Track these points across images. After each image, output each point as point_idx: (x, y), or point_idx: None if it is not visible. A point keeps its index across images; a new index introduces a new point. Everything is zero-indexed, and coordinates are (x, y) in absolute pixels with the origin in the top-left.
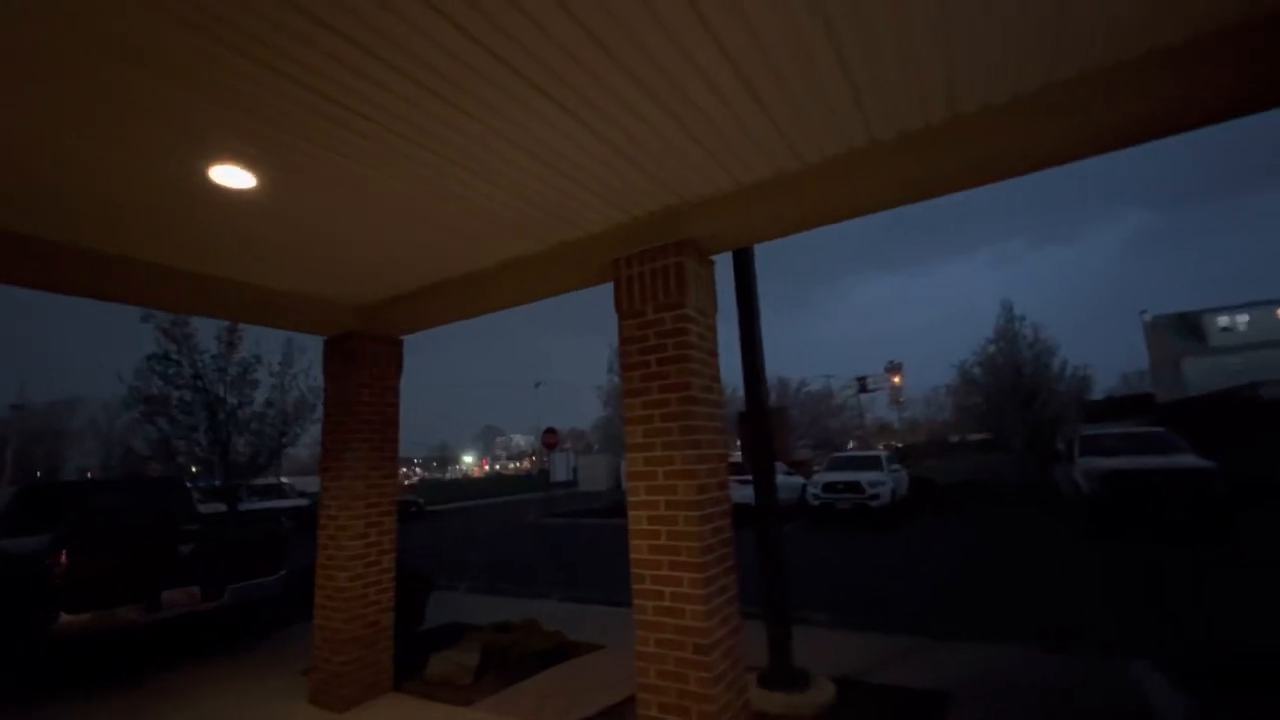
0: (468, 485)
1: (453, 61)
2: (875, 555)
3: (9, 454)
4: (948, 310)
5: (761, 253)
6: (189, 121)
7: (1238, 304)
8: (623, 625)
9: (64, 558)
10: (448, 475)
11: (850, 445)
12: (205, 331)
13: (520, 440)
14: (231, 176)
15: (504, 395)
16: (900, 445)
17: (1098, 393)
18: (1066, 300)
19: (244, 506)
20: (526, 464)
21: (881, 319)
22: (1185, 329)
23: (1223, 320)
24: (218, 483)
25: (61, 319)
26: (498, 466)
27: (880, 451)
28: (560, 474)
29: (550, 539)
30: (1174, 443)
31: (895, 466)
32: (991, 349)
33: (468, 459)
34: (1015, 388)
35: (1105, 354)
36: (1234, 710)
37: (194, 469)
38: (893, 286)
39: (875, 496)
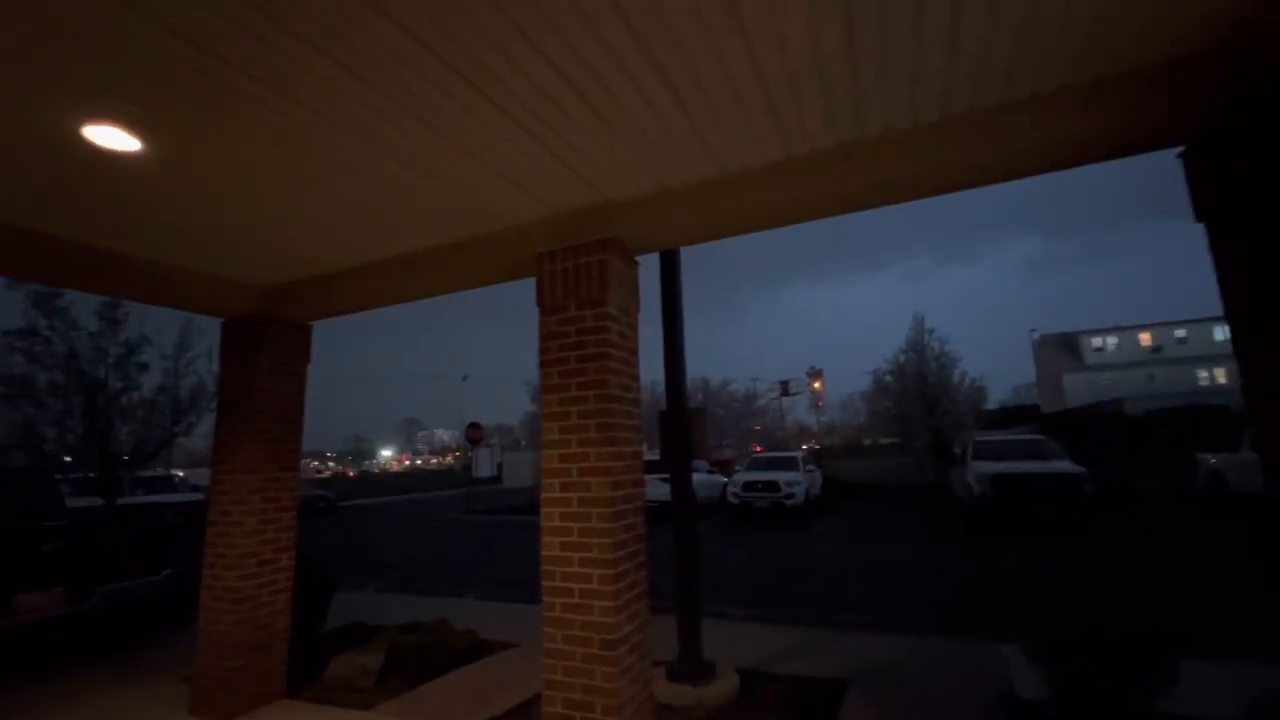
0: (386, 480)
1: (367, 39)
2: (788, 552)
3: None
4: (864, 321)
5: (701, 255)
6: (59, 72)
7: (1107, 327)
8: (536, 622)
9: None
10: (364, 468)
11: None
12: (83, 306)
13: (444, 434)
14: (111, 138)
15: (429, 388)
16: (817, 446)
17: (992, 403)
18: (967, 316)
19: (126, 500)
20: (451, 459)
21: (806, 327)
22: (1065, 347)
23: (1095, 341)
24: (91, 474)
25: None
26: (418, 461)
27: (797, 453)
28: (484, 470)
29: (470, 536)
30: (1052, 449)
31: (810, 467)
32: (903, 359)
33: (386, 452)
34: (921, 395)
35: (999, 367)
36: (1071, 673)
37: (66, 459)
38: (816, 297)
39: (791, 495)
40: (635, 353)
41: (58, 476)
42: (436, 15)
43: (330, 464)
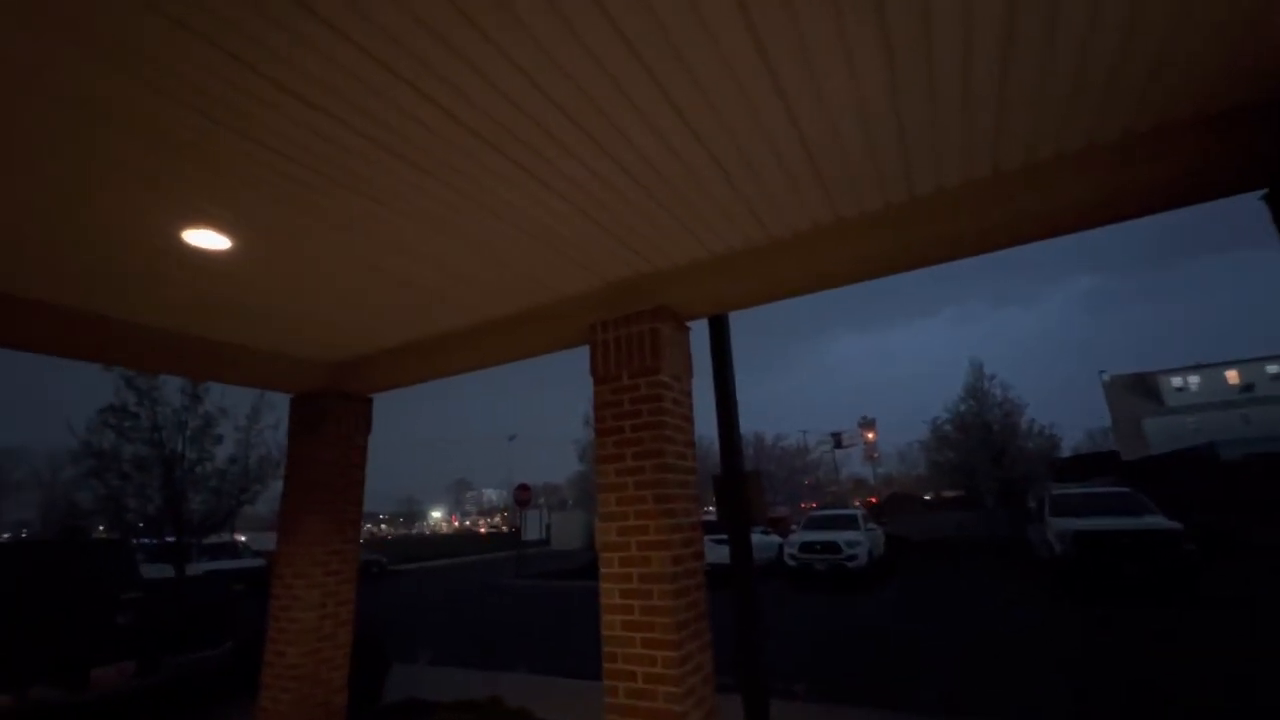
0: (435, 542)
1: (426, 133)
2: (853, 620)
3: None
4: (916, 368)
5: (744, 312)
6: (166, 185)
7: (1189, 365)
8: (592, 700)
9: None
10: (414, 531)
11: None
12: (171, 382)
13: (492, 495)
14: (206, 239)
15: (476, 448)
16: (875, 502)
17: (1065, 450)
18: (1029, 359)
19: (193, 568)
20: (498, 519)
21: (854, 376)
22: (1141, 388)
23: (1175, 381)
24: (170, 539)
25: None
26: (468, 522)
27: (856, 510)
28: (533, 532)
29: (519, 602)
30: (1141, 503)
31: (871, 525)
32: (962, 407)
33: (436, 514)
34: (986, 444)
35: (1069, 411)
36: None
37: (141, 525)
38: (863, 345)
39: (853, 557)
40: (690, 420)
41: (134, 542)
42: (501, 117)
43: (383, 525)
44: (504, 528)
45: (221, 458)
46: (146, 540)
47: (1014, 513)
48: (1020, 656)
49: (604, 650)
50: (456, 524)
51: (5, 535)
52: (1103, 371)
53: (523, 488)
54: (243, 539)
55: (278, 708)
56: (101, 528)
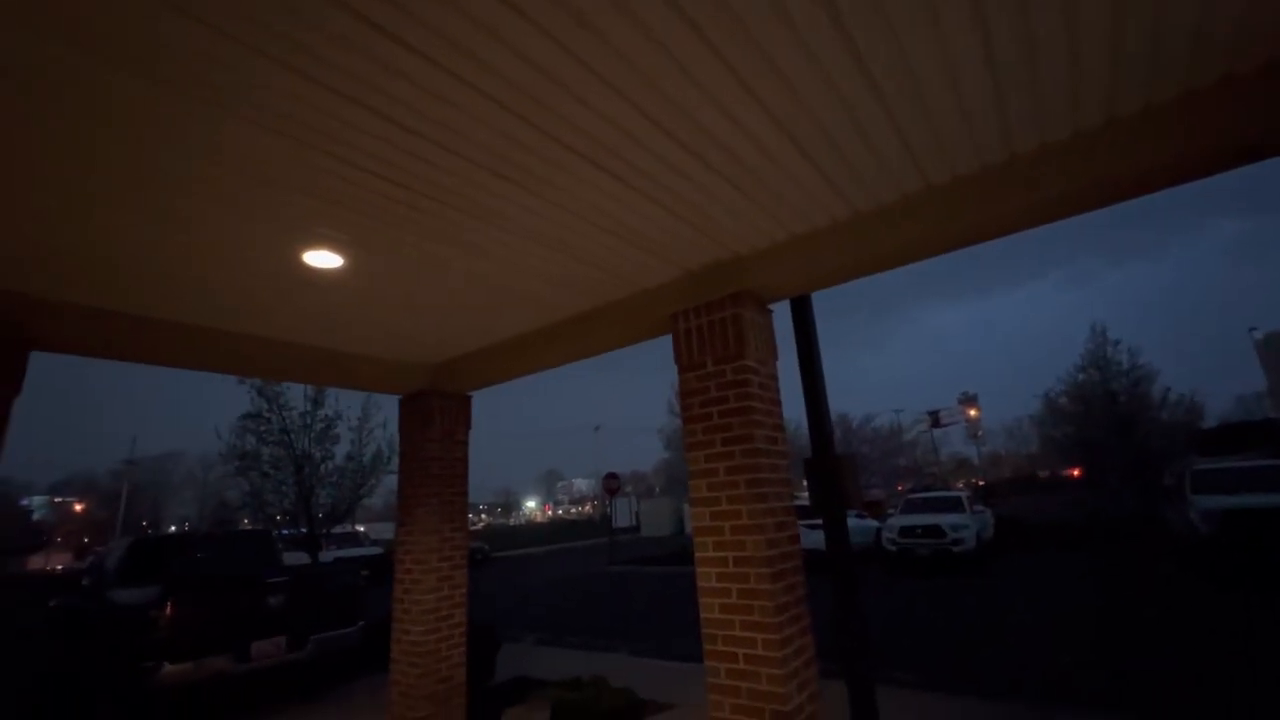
0: (531, 531)
1: (508, 142)
2: (961, 606)
3: (121, 506)
4: (1023, 337)
5: (828, 290)
6: (287, 215)
7: None
8: (690, 682)
9: (169, 609)
10: (511, 520)
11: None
12: (294, 390)
13: (581, 484)
14: (322, 259)
15: (564, 440)
16: (981, 483)
17: (1210, 419)
18: (1160, 320)
19: (324, 556)
20: (588, 508)
21: (952, 350)
22: None
23: None
24: (303, 530)
25: (168, 375)
26: (560, 511)
27: (961, 491)
28: (622, 519)
29: (614, 588)
30: None
31: (979, 507)
32: (1081, 376)
33: (530, 504)
34: (1110, 418)
35: (1214, 376)
36: None
37: (279, 518)
38: (960, 316)
39: (959, 541)
40: (778, 403)
41: (275, 533)
42: (582, 123)
43: (483, 515)
44: (594, 516)
45: (340, 456)
46: (285, 531)
47: (1145, 491)
48: (1150, 646)
49: (703, 632)
50: (550, 512)
51: (171, 528)
52: (1254, 329)
53: (611, 476)
54: (362, 529)
55: (407, 680)
56: (246, 520)
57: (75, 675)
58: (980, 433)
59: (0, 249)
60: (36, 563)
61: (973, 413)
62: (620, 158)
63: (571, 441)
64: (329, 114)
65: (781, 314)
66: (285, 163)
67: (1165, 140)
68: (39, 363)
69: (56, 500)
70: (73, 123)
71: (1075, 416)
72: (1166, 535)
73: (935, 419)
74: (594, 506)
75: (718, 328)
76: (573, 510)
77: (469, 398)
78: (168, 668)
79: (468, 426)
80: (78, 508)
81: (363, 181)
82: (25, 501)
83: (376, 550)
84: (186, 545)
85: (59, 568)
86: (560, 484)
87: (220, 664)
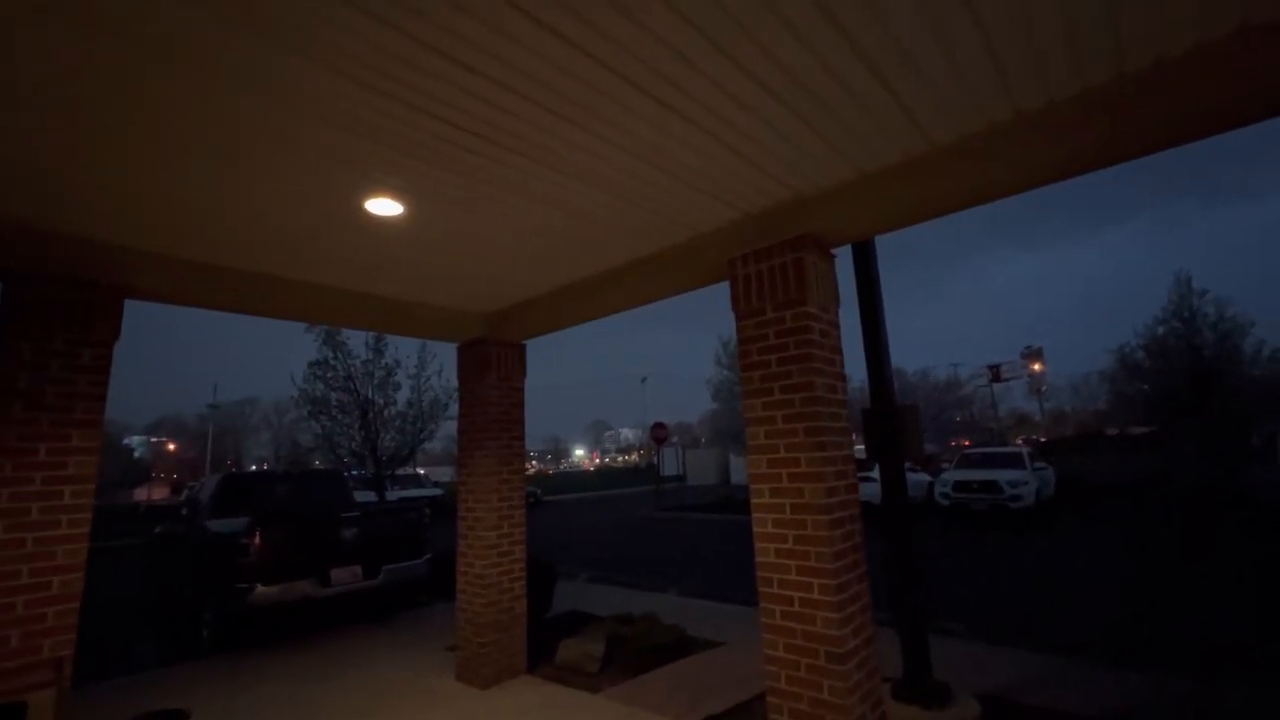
0: (580, 478)
1: (575, 82)
2: (1016, 563)
3: (209, 446)
4: (1099, 288)
5: (882, 238)
6: (349, 161)
7: None
8: (739, 622)
9: (258, 538)
10: (561, 468)
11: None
12: (356, 340)
13: (628, 434)
14: (383, 207)
15: (612, 391)
16: (1043, 439)
17: None
18: (1260, 268)
19: (390, 496)
20: (635, 457)
21: (1019, 302)
22: None
23: None
24: (368, 474)
25: (246, 325)
26: (607, 460)
27: (1020, 447)
28: (669, 468)
29: (661, 532)
30: None
31: (1040, 464)
32: (1161, 329)
33: (579, 452)
34: (1192, 374)
35: None
36: None
37: (347, 460)
38: (1031, 265)
39: (1017, 497)
40: (839, 351)
41: (346, 473)
42: (645, 55)
43: (534, 462)
44: (640, 464)
45: (401, 402)
46: (354, 472)
47: (1227, 452)
48: (1213, 608)
49: (759, 575)
50: (597, 460)
51: (251, 468)
52: None
53: (659, 425)
54: (423, 472)
55: (473, 608)
56: (318, 462)
57: (183, 592)
58: (1044, 388)
59: (99, 202)
60: (140, 495)
61: (1036, 367)
62: (678, 88)
63: (618, 393)
64: (391, 53)
65: (841, 263)
66: (351, 105)
67: (1258, 67)
68: (132, 310)
69: (152, 440)
70: (149, 71)
71: (1152, 372)
72: (1247, 499)
73: (995, 373)
74: (640, 455)
75: (778, 273)
76: (620, 459)
77: (523, 346)
78: (259, 589)
79: (523, 374)
80: (170, 447)
81: (421, 123)
82: (127, 441)
83: (437, 491)
84: (270, 482)
85: (159, 499)
86: (607, 433)
87: (305, 588)
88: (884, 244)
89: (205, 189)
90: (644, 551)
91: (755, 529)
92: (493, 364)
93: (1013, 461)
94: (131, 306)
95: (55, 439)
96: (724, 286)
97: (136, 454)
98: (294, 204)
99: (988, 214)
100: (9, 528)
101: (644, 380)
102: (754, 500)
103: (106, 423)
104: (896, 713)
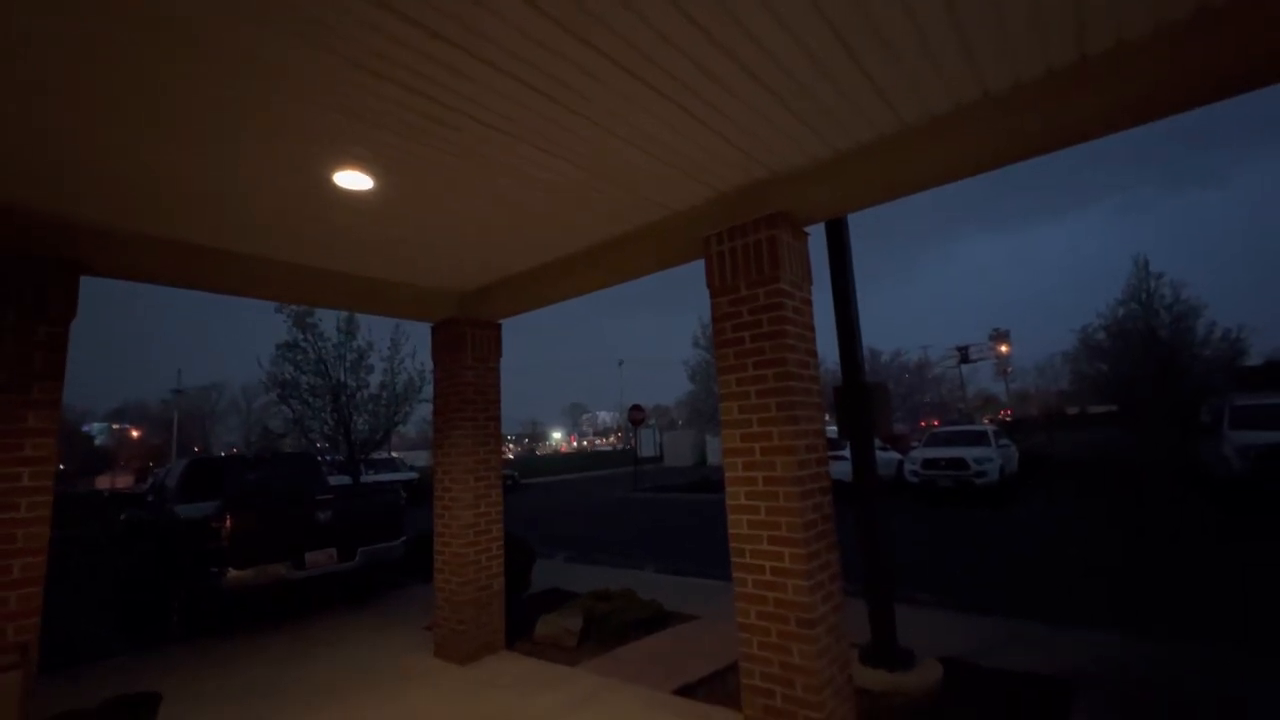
0: (558, 460)
1: (541, 50)
2: (981, 536)
3: (174, 433)
4: (1062, 271)
5: (854, 217)
6: (314, 130)
7: None
8: (715, 597)
9: (228, 521)
10: (537, 451)
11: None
12: (328, 322)
13: (605, 416)
14: (352, 180)
15: (589, 373)
16: (1008, 418)
17: (1255, 357)
18: (1217, 253)
19: (365, 479)
20: (613, 439)
21: (986, 284)
22: None
23: None
24: (340, 458)
25: (211, 308)
26: (584, 442)
27: (986, 426)
28: (647, 449)
29: (641, 512)
30: None
31: (1004, 442)
32: (1121, 311)
33: (556, 435)
34: (1149, 354)
35: (1268, 314)
36: None
37: (320, 445)
38: (999, 247)
39: (982, 473)
40: (811, 328)
41: (320, 460)
42: (618, 26)
43: (511, 445)
44: (617, 446)
45: (374, 385)
46: (328, 457)
47: (1181, 430)
48: (1161, 574)
49: (731, 546)
50: (575, 444)
51: (220, 454)
52: None
53: (636, 408)
54: (398, 455)
55: (450, 587)
56: (289, 446)
57: (151, 577)
58: (1009, 369)
59: (53, 176)
60: (103, 482)
61: (1003, 349)
62: (657, 66)
63: (595, 376)
64: (354, 17)
65: (813, 242)
66: (314, 74)
67: (1216, 48)
68: (91, 296)
69: (115, 427)
70: (100, 36)
71: (1111, 353)
72: (1197, 472)
73: (964, 355)
74: (617, 438)
75: (752, 250)
76: (597, 442)
77: (499, 325)
78: (232, 573)
79: (499, 354)
80: (134, 434)
81: (385, 92)
82: (87, 428)
83: (413, 475)
84: (239, 465)
85: (122, 487)
86: (585, 416)
87: (279, 571)
88: (856, 227)
89: (160, 161)
90: (622, 531)
91: (728, 501)
92: (468, 344)
93: (979, 439)
94: (93, 291)
95: (11, 420)
96: (704, 268)
97: (97, 441)
98: (261, 178)
99: (959, 197)
100: None
101: (621, 363)
102: (727, 474)
103: (65, 408)
104: (863, 676)
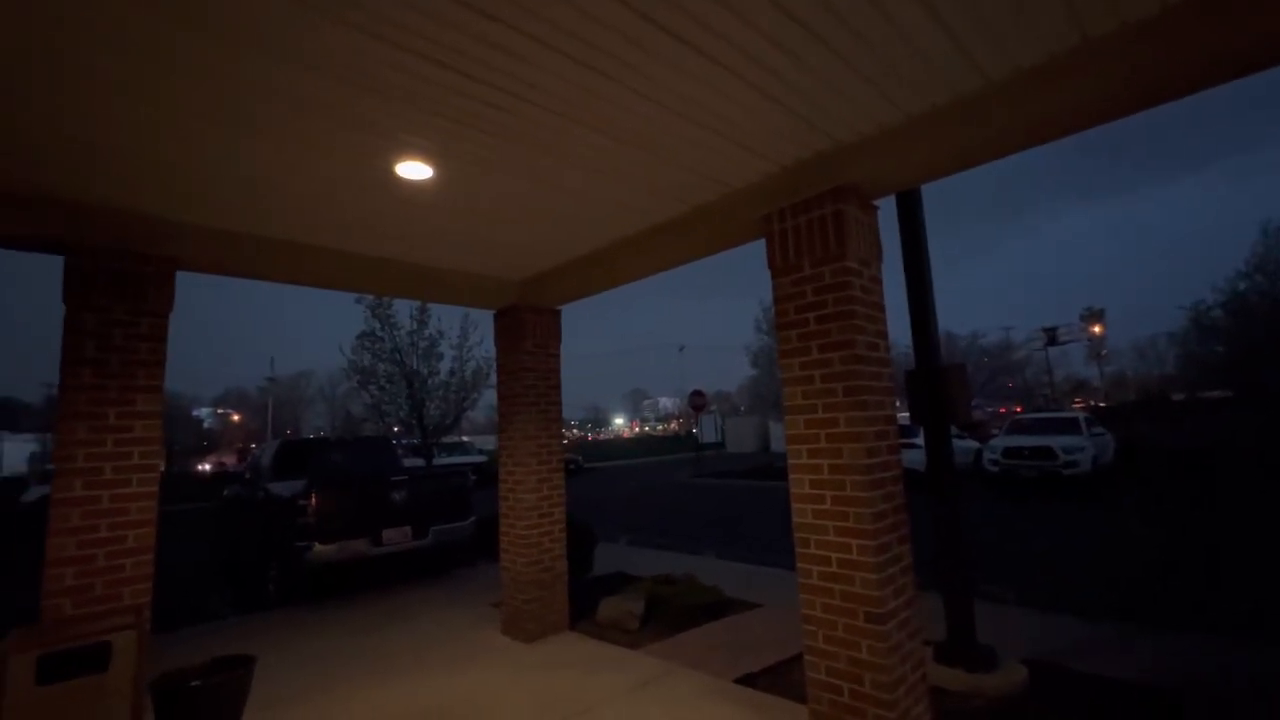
0: (620, 446)
1: (599, 27)
2: (1071, 530)
3: (269, 417)
4: (1170, 243)
5: (927, 191)
6: (376, 123)
7: None
8: (776, 585)
9: (314, 500)
10: (601, 436)
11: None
12: (402, 311)
13: (667, 402)
14: (413, 170)
15: (650, 359)
16: (1102, 404)
17: None
18: None
19: (437, 462)
20: (674, 425)
21: (1078, 260)
22: None
23: None
24: (415, 441)
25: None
26: (646, 428)
27: (1077, 413)
28: (708, 435)
29: (702, 498)
30: None
31: (1098, 430)
32: (1243, 285)
33: (618, 421)
34: (1278, 333)
35: None
36: None
37: (396, 429)
38: (1095, 218)
39: (1072, 463)
40: (881, 307)
41: (395, 441)
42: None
43: (574, 430)
44: (679, 432)
45: (444, 372)
46: (403, 440)
47: None
48: (1266, 579)
49: (796, 536)
50: (636, 429)
51: (310, 436)
52: None
53: (698, 393)
54: (467, 439)
55: (516, 566)
56: (368, 431)
57: (250, 549)
58: (1104, 352)
59: (150, 176)
60: (210, 461)
61: (1097, 329)
62: (710, 29)
63: (656, 361)
64: (411, 6)
65: (882, 216)
66: (374, 64)
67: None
68: (198, 291)
69: (219, 411)
70: (178, 39)
71: (1231, 332)
72: None
73: (1051, 336)
74: (679, 424)
75: (816, 227)
76: (659, 427)
77: (558, 312)
78: (317, 547)
79: (558, 340)
80: (235, 418)
81: (443, 79)
82: (196, 412)
83: (481, 458)
84: (323, 447)
85: (227, 466)
86: (646, 402)
87: (359, 546)
88: (929, 203)
89: (235, 160)
90: (683, 516)
91: (792, 490)
92: (528, 331)
93: (1069, 427)
94: (200, 286)
95: (122, 404)
96: (764, 248)
97: (206, 424)
98: (323, 171)
99: (1043, 162)
100: (87, 485)
101: (682, 349)
102: (791, 461)
103: (177, 395)
104: (939, 675)
